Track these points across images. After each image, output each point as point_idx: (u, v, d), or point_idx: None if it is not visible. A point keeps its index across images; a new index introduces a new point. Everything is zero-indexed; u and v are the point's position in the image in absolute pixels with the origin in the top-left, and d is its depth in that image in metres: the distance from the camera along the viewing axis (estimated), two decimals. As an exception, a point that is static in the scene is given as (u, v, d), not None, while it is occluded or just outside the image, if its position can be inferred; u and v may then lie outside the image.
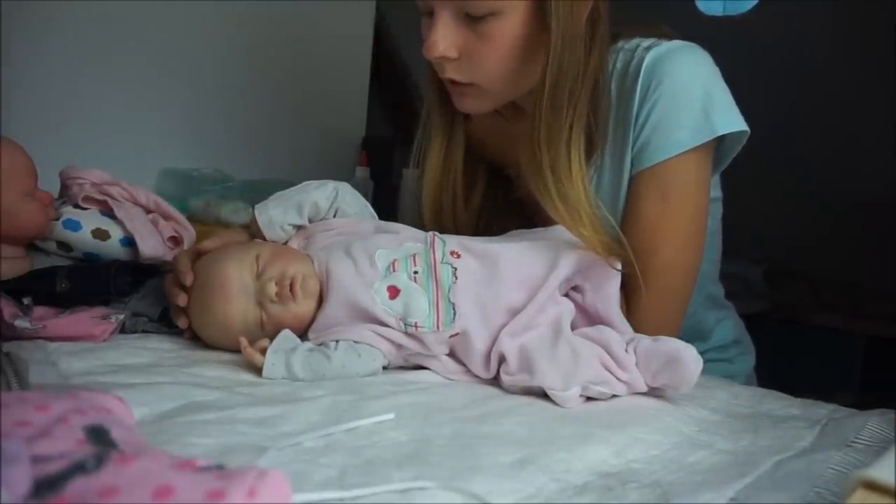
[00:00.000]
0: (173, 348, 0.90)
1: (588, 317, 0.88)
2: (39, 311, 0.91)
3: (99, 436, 0.47)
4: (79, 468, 0.41)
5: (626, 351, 0.81)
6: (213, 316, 0.88)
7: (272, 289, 0.85)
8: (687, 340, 0.82)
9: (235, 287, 0.87)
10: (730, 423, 0.79)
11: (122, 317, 0.93)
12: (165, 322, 0.97)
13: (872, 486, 0.43)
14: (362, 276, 0.86)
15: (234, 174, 1.87)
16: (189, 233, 1.10)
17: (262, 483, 0.41)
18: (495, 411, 0.75)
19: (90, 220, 1.04)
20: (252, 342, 0.84)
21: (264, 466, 0.44)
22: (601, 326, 0.85)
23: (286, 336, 0.84)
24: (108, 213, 1.05)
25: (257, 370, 0.81)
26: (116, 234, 1.04)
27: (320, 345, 0.85)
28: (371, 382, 0.81)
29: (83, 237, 1.03)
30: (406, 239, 0.90)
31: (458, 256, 0.87)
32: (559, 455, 0.64)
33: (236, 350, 0.85)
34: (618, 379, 0.80)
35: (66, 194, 1.08)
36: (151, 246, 1.04)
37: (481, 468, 0.60)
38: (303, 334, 0.87)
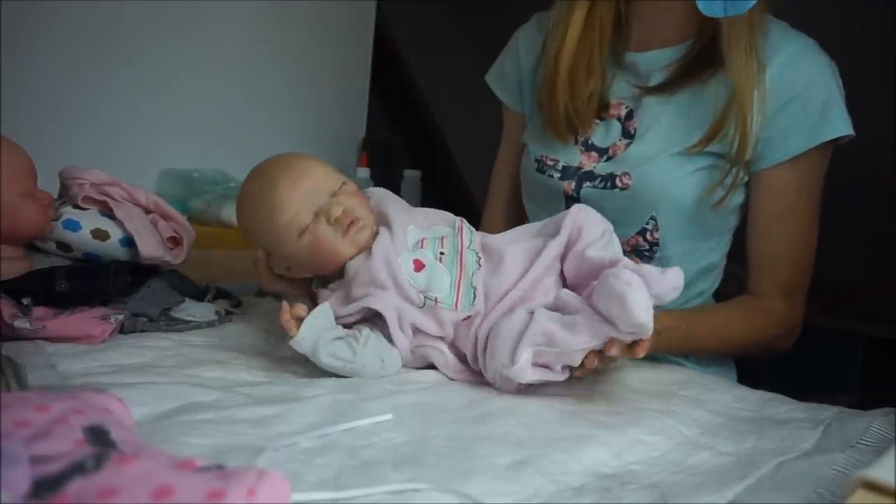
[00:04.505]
0: (172, 348, 0.90)
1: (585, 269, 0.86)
2: (39, 311, 0.91)
3: (98, 436, 0.47)
4: (78, 468, 0.41)
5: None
6: (272, 194, 0.88)
7: (337, 210, 0.86)
8: None
9: (310, 183, 0.88)
10: (733, 425, 0.79)
11: (121, 317, 0.92)
12: (165, 322, 0.97)
13: (872, 487, 0.43)
14: (395, 244, 0.87)
15: (234, 174, 1.86)
16: (189, 233, 1.10)
17: (262, 483, 0.41)
18: (494, 412, 0.75)
19: (90, 220, 1.04)
20: (283, 259, 0.89)
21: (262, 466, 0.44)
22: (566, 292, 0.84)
23: (324, 311, 0.84)
24: (108, 213, 1.05)
25: (284, 335, 0.82)
26: (116, 234, 1.04)
27: (351, 328, 0.85)
28: (370, 382, 0.81)
29: (83, 237, 1.03)
30: (435, 222, 0.92)
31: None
32: (557, 457, 0.64)
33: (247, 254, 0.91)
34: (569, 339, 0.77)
35: (66, 194, 1.08)
36: (151, 246, 1.04)
37: (478, 469, 0.60)
38: (324, 278, 0.90)
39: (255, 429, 0.65)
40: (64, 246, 1.03)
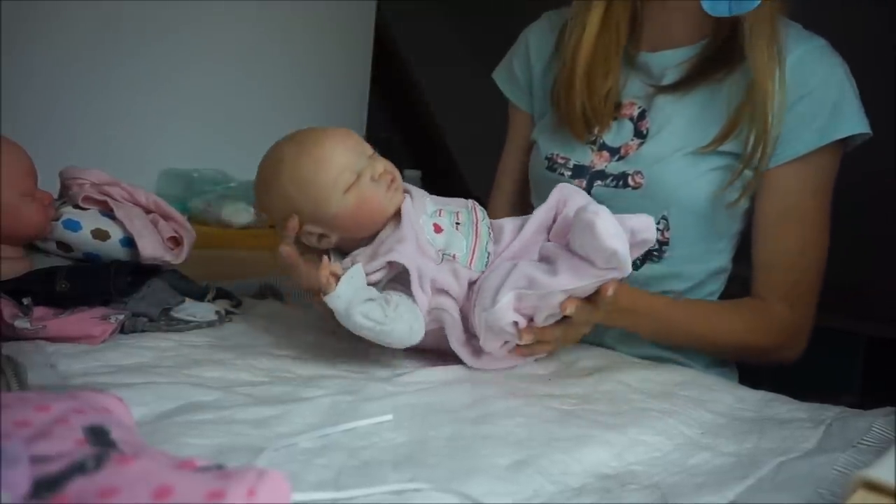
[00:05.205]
0: (172, 348, 0.90)
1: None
2: (39, 311, 0.91)
3: (99, 436, 0.47)
4: (78, 468, 0.41)
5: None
6: (316, 151, 0.89)
7: (380, 167, 0.89)
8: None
9: (352, 144, 0.90)
10: (735, 425, 0.79)
11: (121, 317, 0.92)
12: (165, 322, 0.97)
13: (873, 487, 0.43)
14: (415, 209, 0.91)
15: (234, 174, 1.86)
16: (189, 233, 1.10)
17: (262, 483, 0.41)
18: (494, 412, 0.75)
19: (90, 220, 1.04)
20: (321, 221, 0.88)
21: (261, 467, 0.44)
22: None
23: (358, 271, 0.84)
24: (108, 213, 1.05)
25: (317, 290, 0.83)
26: (116, 234, 1.04)
27: (385, 288, 0.87)
28: (370, 383, 0.81)
29: (83, 237, 1.03)
30: (447, 199, 0.95)
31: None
32: (557, 457, 0.64)
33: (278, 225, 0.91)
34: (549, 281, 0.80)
35: (66, 194, 1.08)
36: (151, 246, 1.04)
37: (478, 470, 0.60)
38: (343, 252, 0.91)
39: (255, 429, 0.65)
40: (64, 246, 1.03)
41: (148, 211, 1.09)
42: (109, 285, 0.95)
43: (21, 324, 0.87)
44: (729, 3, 0.90)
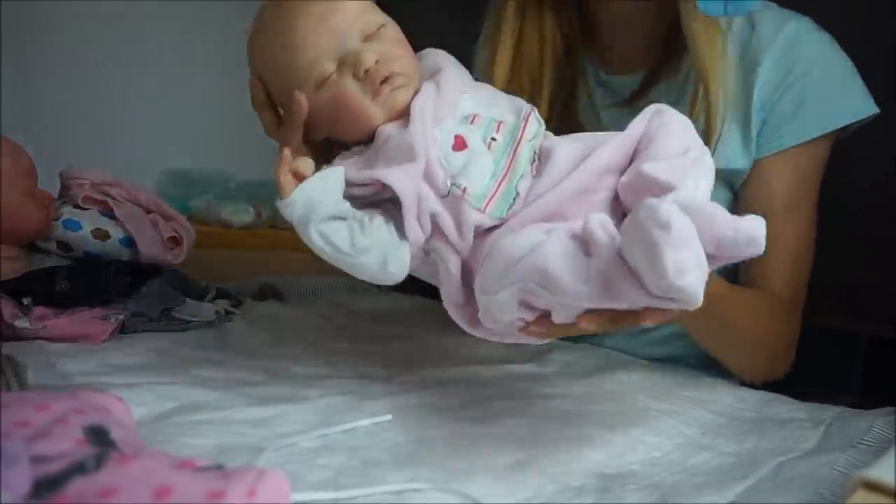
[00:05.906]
0: (172, 348, 0.90)
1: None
2: (39, 311, 0.91)
3: (99, 436, 0.47)
4: (78, 468, 0.41)
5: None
6: (288, 29, 0.69)
7: (368, 60, 0.65)
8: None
9: (338, 20, 0.67)
10: (735, 425, 0.79)
11: (121, 317, 0.93)
12: (165, 322, 0.97)
13: (873, 487, 0.43)
14: (439, 106, 0.67)
15: (234, 174, 1.87)
16: (189, 233, 1.10)
17: (262, 483, 0.41)
18: (494, 412, 0.75)
19: (90, 220, 1.04)
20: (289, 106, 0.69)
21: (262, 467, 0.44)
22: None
23: (333, 176, 0.64)
24: (108, 213, 1.05)
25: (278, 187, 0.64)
26: (116, 234, 1.04)
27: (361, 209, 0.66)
28: (370, 383, 0.81)
29: (83, 237, 1.03)
30: (499, 103, 0.70)
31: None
32: (558, 457, 0.64)
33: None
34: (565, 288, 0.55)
35: (66, 194, 1.08)
36: (151, 246, 1.04)
37: (478, 470, 0.60)
38: (342, 143, 0.70)
39: (255, 429, 0.65)
40: (64, 246, 1.03)
41: (148, 211, 1.09)
42: (109, 285, 0.95)
43: (21, 324, 0.87)
44: (724, 4, 0.89)
